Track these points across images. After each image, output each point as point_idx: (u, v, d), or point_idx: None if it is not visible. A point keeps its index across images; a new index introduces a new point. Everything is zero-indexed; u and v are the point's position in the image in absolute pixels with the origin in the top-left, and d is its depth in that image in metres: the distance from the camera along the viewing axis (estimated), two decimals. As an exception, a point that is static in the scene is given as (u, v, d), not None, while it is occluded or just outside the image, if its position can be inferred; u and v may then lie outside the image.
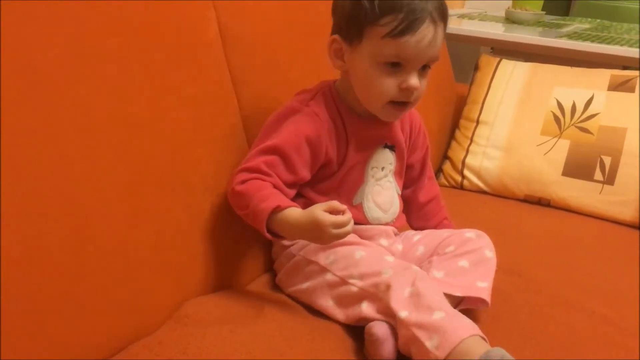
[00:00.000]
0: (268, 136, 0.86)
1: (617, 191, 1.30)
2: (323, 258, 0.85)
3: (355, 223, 0.88)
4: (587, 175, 1.32)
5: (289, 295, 0.89)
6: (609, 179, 1.31)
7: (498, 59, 1.54)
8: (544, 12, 2.18)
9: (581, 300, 0.94)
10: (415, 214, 1.04)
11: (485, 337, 0.72)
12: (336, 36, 0.85)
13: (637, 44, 1.69)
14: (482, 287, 0.84)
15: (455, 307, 0.82)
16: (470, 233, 0.92)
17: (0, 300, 0.60)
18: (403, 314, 0.74)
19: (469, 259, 0.87)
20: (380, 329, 0.76)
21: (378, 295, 0.78)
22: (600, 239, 1.23)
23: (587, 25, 2.15)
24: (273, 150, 0.84)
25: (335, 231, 0.76)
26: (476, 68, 1.56)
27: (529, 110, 1.42)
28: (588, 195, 1.32)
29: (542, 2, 2.18)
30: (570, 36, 1.80)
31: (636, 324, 0.89)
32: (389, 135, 0.94)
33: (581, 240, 1.21)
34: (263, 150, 0.84)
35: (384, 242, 0.92)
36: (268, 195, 0.79)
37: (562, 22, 2.24)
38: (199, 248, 0.84)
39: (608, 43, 1.70)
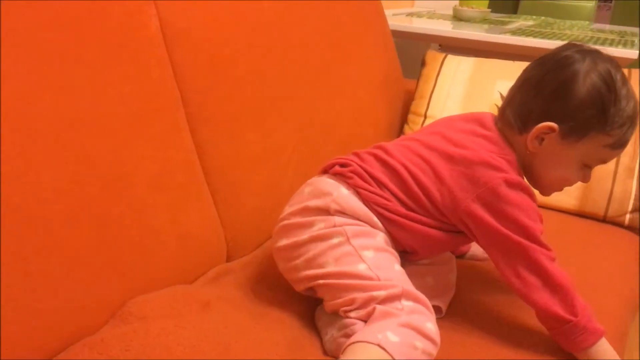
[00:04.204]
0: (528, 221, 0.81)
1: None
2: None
3: None
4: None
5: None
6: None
7: (444, 54, 1.57)
8: (490, 10, 2.23)
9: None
10: None
11: None
12: (556, 125, 0.82)
13: (579, 39, 1.75)
14: None
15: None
16: None
17: None
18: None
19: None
20: None
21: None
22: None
23: (531, 22, 2.21)
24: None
25: None
26: (423, 64, 1.58)
27: (474, 104, 1.45)
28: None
29: (488, 1, 2.24)
30: (514, 32, 1.84)
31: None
32: None
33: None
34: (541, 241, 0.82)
35: None
36: (590, 312, 0.79)
37: (508, 19, 2.30)
38: (143, 245, 0.83)
39: (550, 38, 1.75)
